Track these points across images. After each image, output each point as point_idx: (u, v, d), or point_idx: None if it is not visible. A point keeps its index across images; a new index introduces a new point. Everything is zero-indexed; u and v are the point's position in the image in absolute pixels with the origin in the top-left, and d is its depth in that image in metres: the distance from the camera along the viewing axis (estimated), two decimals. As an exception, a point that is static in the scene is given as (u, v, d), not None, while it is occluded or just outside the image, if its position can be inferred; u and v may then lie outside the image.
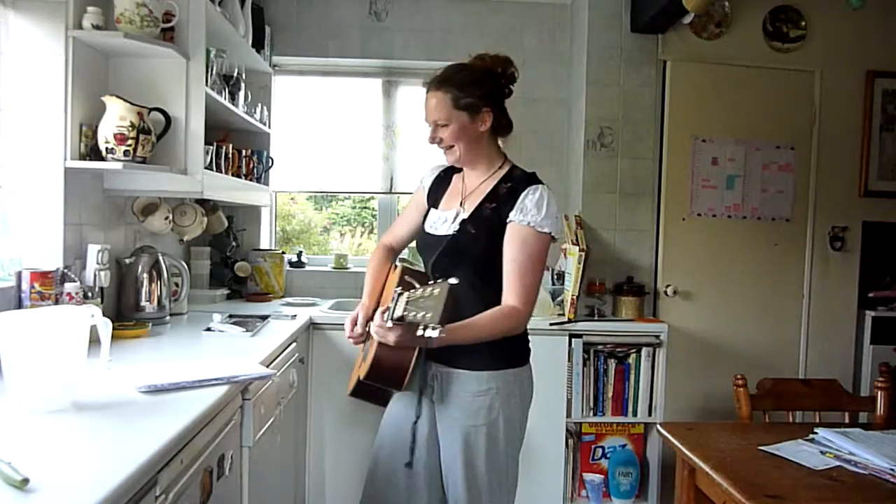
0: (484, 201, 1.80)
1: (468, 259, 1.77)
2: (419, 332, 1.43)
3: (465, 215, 1.80)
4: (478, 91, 1.78)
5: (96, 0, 2.02)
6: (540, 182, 1.80)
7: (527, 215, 1.73)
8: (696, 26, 3.15)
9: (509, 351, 1.80)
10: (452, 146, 1.80)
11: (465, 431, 1.76)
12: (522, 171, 1.86)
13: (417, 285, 1.58)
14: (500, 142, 1.90)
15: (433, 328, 1.41)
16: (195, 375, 1.58)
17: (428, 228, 1.89)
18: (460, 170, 1.93)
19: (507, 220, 1.75)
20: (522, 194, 1.75)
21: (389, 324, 1.53)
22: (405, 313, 1.47)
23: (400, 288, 1.56)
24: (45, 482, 0.99)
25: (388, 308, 1.55)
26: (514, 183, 1.79)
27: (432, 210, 1.92)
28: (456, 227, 1.80)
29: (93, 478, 1.01)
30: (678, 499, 1.90)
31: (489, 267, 1.75)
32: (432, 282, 1.49)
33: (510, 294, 1.72)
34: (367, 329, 1.79)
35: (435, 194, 1.95)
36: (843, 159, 3.26)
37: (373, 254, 2.03)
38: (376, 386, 1.76)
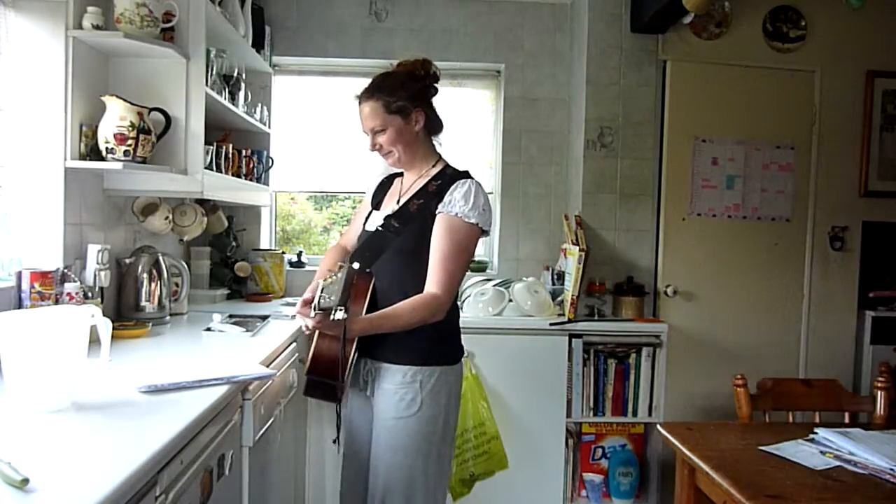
0: (412, 198, 1.88)
1: (392, 252, 1.84)
2: (331, 316, 1.52)
3: (390, 212, 1.89)
4: (405, 93, 1.86)
5: (96, 0, 2.02)
6: (470, 177, 1.88)
7: (454, 206, 1.80)
8: (696, 26, 3.15)
9: (438, 348, 1.84)
10: (391, 150, 1.88)
11: (387, 424, 1.81)
12: (454, 169, 1.93)
13: (337, 275, 1.65)
14: (434, 141, 1.98)
15: (338, 310, 1.51)
16: (195, 375, 1.58)
17: (367, 227, 1.98)
18: (400, 175, 2.03)
19: (438, 212, 1.81)
20: (451, 187, 1.83)
21: (312, 313, 1.60)
22: (319, 300, 1.56)
23: (321, 279, 1.64)
24: (45, 482, 0.99)
25: (311, 297, 1.64)
26: (444, 180, 1.87)
27: (374, 212, 2.01)
28: (381, 222, 1.88)
29: (93, 478, 1.01)
30: (678, 499, 1.90)
31: (416, 260, 1.81)
32: (339, 268, 1.58)
33: (431, 281, 1.77)
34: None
35: (378, 198, 2.05)
36: (843, 159, 3.26)
37: (326, 253, 2.15)
38: (320, 380, 1.81)
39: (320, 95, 3.49)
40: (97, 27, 1.99)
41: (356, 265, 1.59)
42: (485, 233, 1.85)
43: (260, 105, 3.07)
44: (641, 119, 3.19)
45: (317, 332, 1.76)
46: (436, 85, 1.93)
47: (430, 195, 1.85)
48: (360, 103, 1.89)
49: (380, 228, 1.88)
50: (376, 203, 2.04)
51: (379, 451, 1.83)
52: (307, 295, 1.74)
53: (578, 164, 3.23)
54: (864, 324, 3.26)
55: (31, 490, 0.96)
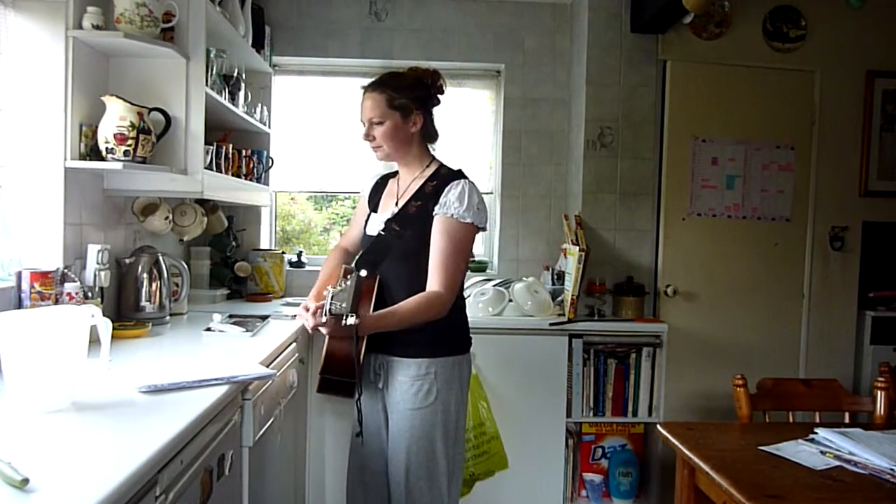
0: (410, 200, 1.95)
1: (395, 254, 1.91)
2: (343, 322, 1.62)
3: (389, 215, 1.95)
4: (410, 94, 1.94)
5: (96, 0, 2.02)
6: (464, 177, 1.95)
7: (449, 208, 1.87)
8: (696, 26, 3.15)
9: (449, 339, 1.95)
10: (382, 145, 1.95)
11: (404, 415, 1.89)
12: (449, 169, 2.01)
13: (344, 284, 1.75)
14: (429, 147, 2.05)
15: (349, 315, 1.61)
16: (195, 375, 1.58)
17: (368, 231, 2.04)
18: (394, 175, 2.10)
19: (434, 214, 1.89)
20: (446, 188, 1.90)
21: (324, 318, 1.70)
22: (331, 306, 1.66)
23: (331, 286, 1.74)
24: (45, 482, 0.99)
25: (322, 304, 1.74)
26: (439, 181, 1.94)
27: (372, 214, 2.07)
28: (381, 226, 1.95)
29: (93, 478, 1.01)
30: (678, 499, 1.90)
31: (418, 260, 1.88)
32: (346, 277, 1.67)
33: (433, 280, 1.85)
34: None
35: (374, 199, 2.11)
36: (843, 159, 3.26)
37: (328, 254, 2.23)
38: (335, 378, 1.90)
39: (320, 95, 3.49)
40: (97, 27, 1.99)
41: (363, 272, 1.67)
42: (481, 229, 1.93)
43: (260, 105, 3.07)
44: (641, 119, 3.19)
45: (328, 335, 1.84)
46: (439, 97, 2.02)
47: (427, 196, 1.92)
48: (364, 93, 1.97)
49: (381, 233, 1.95)
50: (374, 205, 2.10)
51: (399, 439, 1.90)
52: (310, 302, 1.86)
53: (578, 164, 3.23)
54: (864, 324, 3.26)
55: (31, 490, 0.96)
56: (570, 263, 2.94)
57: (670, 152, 3.17)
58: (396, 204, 1.99)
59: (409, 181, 2.01)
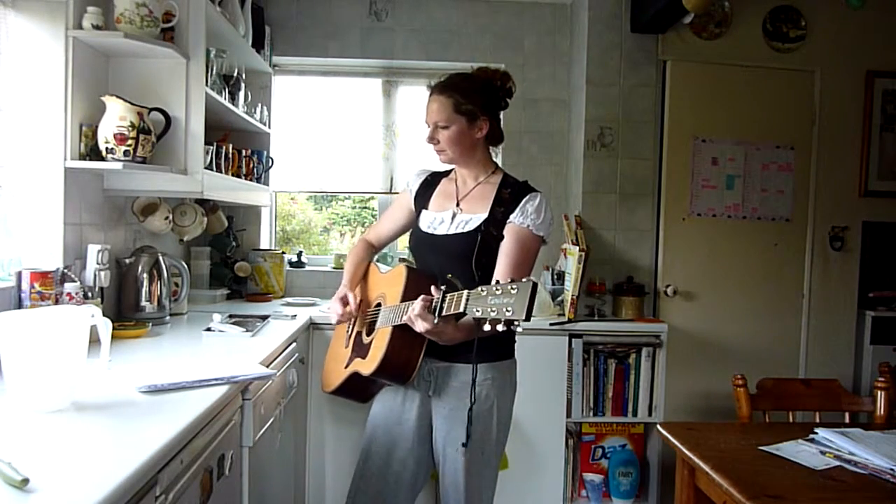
0: (495, 205, 1.90)
1: (493, 256, 1.86)
2: (486, 328, 1.45)
3: (483, 216, 1.88)
4: (479, 100, 1.89)
5: (96, 0, 2.02)
6: (536, 190, 1.93)
7: (527, 218, 1.84)
8: (696, 26, 3.15)
9: (502, 344, 1.92)
10: (446, 149, 1.90)
11: (460, 421, 1.85)
12: (515, 178, 1.97)
13: (459, 286, 1.61)
14: (491, 150, 2.01)
15: (519, 322, 1.42)
16: (195, 375, 1.58)
17: (425, 228, 1.97)
18: (446, 175, 2.05)
19: (508, 221, 1.85)
20: (524, 199, 1.87)
21: (436, 319, 1.61)
22: (468, 311, 1.51)
23: (445, 287, 1.63)
24: (45, 482, 0.99)
25: (430, 301, 1.63)
26: (514, 189, 1.91)
27: (424, 212, 2.00)
28: (474, 226, 1.88)
29: (93, 478, 1.01)
30: (678, 499, 1.90)
31: (489, 266, 1.84)
32: (498, 282, 1.50)
33: None
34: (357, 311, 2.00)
35: (422, 198, 2.04)
36: (843, 159, 3.26)
37: (355, 246, 2.18)
38: (379, 381, 1.86)
39: (320, 95, 3.49)
40: (97, 27, 1.99)
41: (535, 279, 1.48)
42: (545, 242, 1.90)
43: (260, 105, 3.07)
44: (641, 119, 3.19)
45: (389, 335, 1.77)
46: (508, 99, 1.98)
47: (506, 203, 1.88)
48: (430, 95, 1.91)
49: (483, 235, 1.85)
50: (423, 203, 2.02)
51: (456, 445, 1.86)
52: (350, 296, 1.95)
53: (578, 164, 3.23)
54: (864, 324, 3.26)
55: (31, 490, 0.96)
56: (570, 263, 2.94)
57: (670, 152, 3.17)
58: (458, 205, 1.94)
59: (473, 185, 1.95)
